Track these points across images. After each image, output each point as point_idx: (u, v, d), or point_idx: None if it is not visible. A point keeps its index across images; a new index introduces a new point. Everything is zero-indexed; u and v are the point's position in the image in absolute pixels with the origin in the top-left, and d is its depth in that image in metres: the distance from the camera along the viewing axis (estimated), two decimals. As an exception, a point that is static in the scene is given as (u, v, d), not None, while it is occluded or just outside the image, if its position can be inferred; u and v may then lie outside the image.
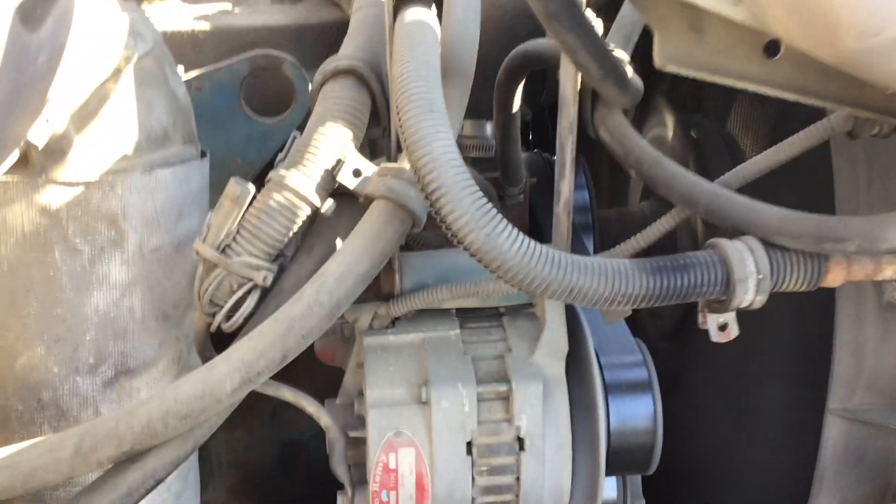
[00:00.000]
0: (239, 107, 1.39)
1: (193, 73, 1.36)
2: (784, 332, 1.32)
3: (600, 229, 1.73)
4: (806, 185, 1.23)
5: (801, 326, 1.29)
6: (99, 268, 1.02)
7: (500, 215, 0.80)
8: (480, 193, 0.80)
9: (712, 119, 1.62)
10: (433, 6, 0.99)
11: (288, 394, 1.05)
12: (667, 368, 1.54)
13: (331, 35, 1.48)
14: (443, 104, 0.83)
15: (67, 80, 0.91)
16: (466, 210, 0.79)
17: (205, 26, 1.46)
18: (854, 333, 1.11)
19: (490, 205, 0.80)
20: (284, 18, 1.53)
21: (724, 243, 0.88)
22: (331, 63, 1.02)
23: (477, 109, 1.37)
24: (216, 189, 1.18)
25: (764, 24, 0.68)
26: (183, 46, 1.43)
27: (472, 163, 1.42)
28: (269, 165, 1.45)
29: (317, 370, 1.18)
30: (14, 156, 0.90)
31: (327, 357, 1.19)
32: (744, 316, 0.92)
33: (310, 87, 1.36)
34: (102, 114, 1.00)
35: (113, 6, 1.01)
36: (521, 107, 1.39)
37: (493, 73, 1.25)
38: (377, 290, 1.09)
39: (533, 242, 0.81)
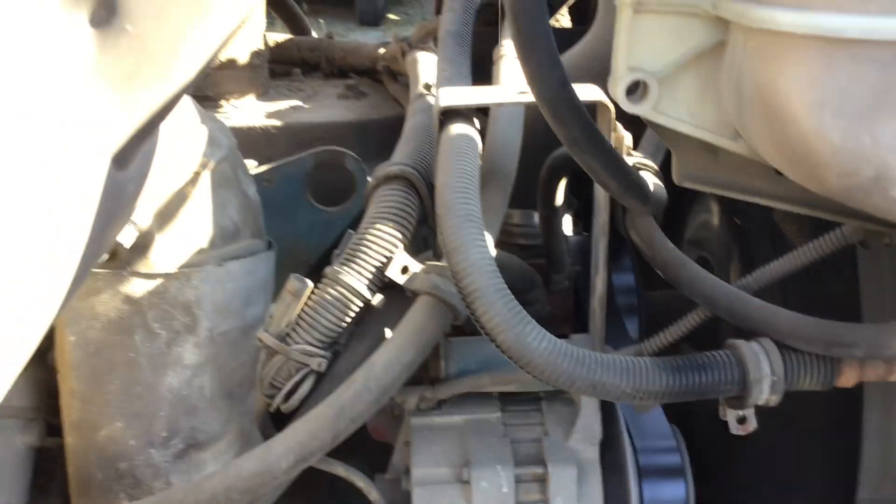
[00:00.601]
0: (305, 197, 1.51)
1: (265, 167, 1.49)
2: (818, 419, 1.36)
3: (648, 311, 1.79)
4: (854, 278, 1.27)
5: (834, 415, 1.32)
6: (174, 350, 1.14)
7: (528, 317, 0.88)
8: (511, 297, 0.88)
9: (758, 206, 1.67)
10: (475, 119, 1.09)
11: (340, 469, 1.14)
12: (714, 449, 1.57)
13: (391, 129, 1.60)
14: (479, 213, 0.92)
15: (152, 187, 1.03)
16: (498, 312, 0.87)
17: (276, 122, 1.59)
18: (881, 424, 1.14)
19: (520, 307, 0.88)
20: (349, 114, 1.66)
21: (741, 345, 0.94)
22: (384, 168, 1.12)
23: (525, 200, 1.46)
24: (283, 272, 1.29)
25: (761, 157, 0.76)
26: (257, 141, 1.56)
27: (520, 249, 1.51)
28: (332, 249, 1.56)
29: (370, 444, 1.27)
30: (105, 255, 1.02)
31: (379, 433, 1.28)
32: (781, 401, 0.97)
33: (369, 179, 1.47)
34: (182, 214, 1.12)
35: (194, 119, 1.13)
36: (568, 197, 1.47)
37: (540, 168, 1.34)
38: (425, 373, 1.18)
39: (559, 342, 0.89)
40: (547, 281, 1.52)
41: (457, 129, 1.04)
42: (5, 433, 1.18)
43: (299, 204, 1.51)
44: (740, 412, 0.97)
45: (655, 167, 1.11)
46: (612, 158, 0.88)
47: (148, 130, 0.67)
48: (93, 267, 0.87)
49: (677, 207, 1.77)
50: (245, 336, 1.19)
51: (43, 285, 0.63)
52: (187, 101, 1.16)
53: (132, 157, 0.69)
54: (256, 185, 1.32)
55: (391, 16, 7.96)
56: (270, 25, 1.93)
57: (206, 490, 0.98)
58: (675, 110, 0.77)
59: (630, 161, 1.11)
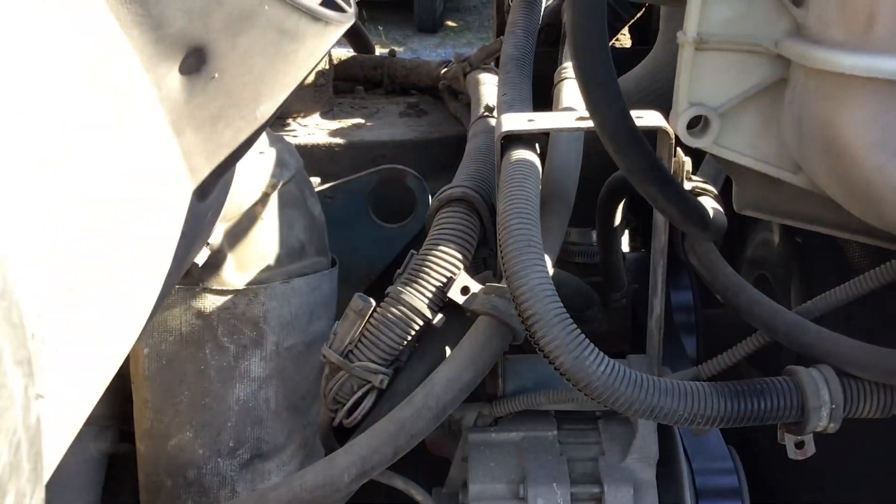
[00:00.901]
0: (366, 213, 1.55)
1: (328, 185, 1.53)
2: (879, 441, 1.34)
3: (707, 329, 1.78)
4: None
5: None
6: (242, 363, 1.18)
7: (587, 341, 0.90)
8: (570, 321, 0.90)
9: (820, 227, 1.65)
10: (536, 145, 1.11)
11: (399, 482, 1.17)
12: (776, 470, 1.56)
13: (451, 147, 1.63)
14: (539, 239, 0.94)
15: (225, 208, 1.08)
16: (557, 336, 0.89)
17: (340, 140, 1.63)
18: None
19: (579, 331, 0.90)
20: (410, 132, 1.69)
21: (801, 371, 0.94)
22: (446, 191, 1.15)
23: (584, 219, 1.48)
24: (344, 287, 1.32)
25: (822, 190, 0.77)
26: (321, 158, 1.61)
27: (578, 268, 1.52)
28: (392, 264, 1.59)
29: (428, 458, 1.29)
30: (179, 273, 1.07)
31: (436, 448, 1.30)
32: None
33: (429, 197, 1.50)
34: (251, 233, 1.17)
35: (264, 141, 1.18)
36: (626, 214, 1.49)
37: (600, 187, 1.36)
38: (482, 390, 1.20)
39: (617, 365, 0.91)
40: (605, 299, 1.53)
41: (518, 154, 1.06)
42: (79, 439, 1.23)
43: (361, 220, 1.54)
44: (798, 437, 0.97)
45: (715, 192, 1.12)
46: (671, 186, 0.90)
47: (228, 165, 0.71)
48: (173, 284, 0.91)
49: (738, 225, 1.76)
50: (309, 350, 1.23)
51: (131, 305, 0.67)
52: (258, 124, 1.20)
53: (212, 188, 0.73)
54: (320, 201, 1.36)
55: (449, 23, 7.99)
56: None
57: (271, 500, 1.01)
58: (737, 144, 0.78)
59: (689, 186, 1.13)
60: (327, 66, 1.78)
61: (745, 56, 0.75)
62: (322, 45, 0.68)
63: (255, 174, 1.16)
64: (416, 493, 1.18)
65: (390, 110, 1.84)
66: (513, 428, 1.18)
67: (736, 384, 0.94)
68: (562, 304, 0.92)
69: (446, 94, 1.81)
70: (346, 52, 2.09)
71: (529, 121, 1.10)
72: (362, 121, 1.75)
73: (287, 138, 1.61)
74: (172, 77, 0.60)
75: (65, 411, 0.61)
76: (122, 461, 1.31)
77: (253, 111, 0.66)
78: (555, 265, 1.14)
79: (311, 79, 1.73)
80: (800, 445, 0.97)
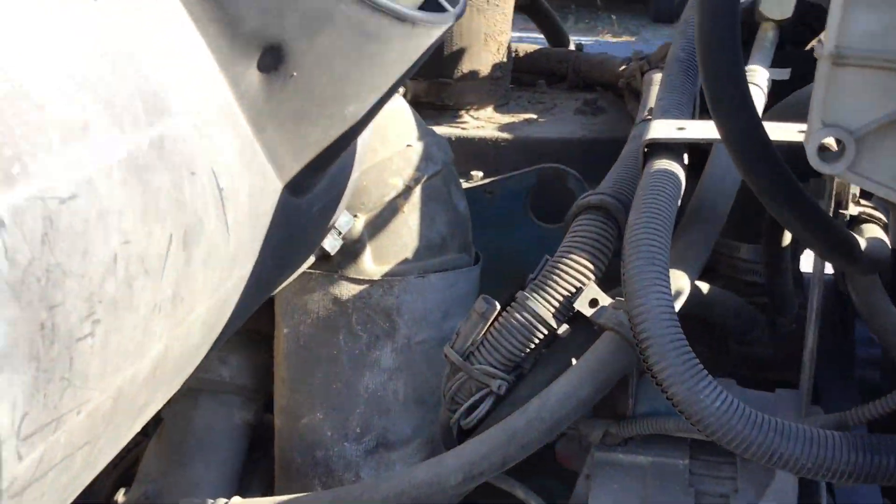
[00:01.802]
0: (524, 212, 1.52)
1: (489, 179, 1.52)
2: None
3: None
4: None
5: None
6: (373, 353, 1.20)
7: (704, 371, 0.83)
8: (688, 348, 0.84)
9: None
10: (684, 155, 1.04)
11: (519, 492, 1.15)
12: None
13: (620, 149, 1.57)
14: (665, 258, 0.88)
15: (362, 198, 1.10)
16: (671, 363, 0.83)
17: (507, 135, 1.62)
18: None
19: (695, 360, 0.84)
20: (579, 131, 1.65)
21: (955, 432, 0.83)
22: (585, 197, 1.11)
23: (756, 236, 1.37)
24: (498, 283, 1.31)
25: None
26: (486, 152, 1.60)
27: (745, 286, 1.42)
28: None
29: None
30: (311, 259, 1.11)
31: (567, 461, 1.27)
32: None
33: (590, 200, 1.45)
34: (392, 225, 1.18)
35: (410, 135, 1.19)
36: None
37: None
38: (613, 407, 1.15)
39: (736, 401, 0.83)
40: (773, 322, 1.42)
41: (660, 164, 1.00)
42: (227, 407, 1.32)
43: (518, 218, 1.52)
44: (949, 508, 0.85)
45: (884, 220, 1.00)
46: (810, 210, 0.81)
47: (322, 162, 0.71)
48: (282, 273, 0.94)
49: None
50: (441, 347, 1.23)
51: (225, 286, 0.69)
52: (408, 116, 1.22)
53: (310, 184, 0.74)
54: (478, 196, 1.36)
55: (688, 14, 7.68)
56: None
57: (381, 491, 1.03)
58: (875, 173, 0.69)
59: (856, 211, 1.02)
60: (505, 59, 1.76)
61: (890, 75, 0.66)
62: (413, 47, 0.67)
63: (399, 167, 1.17)
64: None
65: (567, 106, 1.80)
66: (642, 451, 1.13)
67: (874, 436, 0.84)
68: (680, 329, 0.86)
69: (626, 93, 1.74)
70: (532, 46, 2.06)
71: (679, 129, 1.04)
72: (535, 116, 1.72)
73: (456, 130, 1.62)
74: (250, 74, 0.61)
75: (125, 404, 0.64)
76: (266, 433, 1.38)
77: (340, 111, 0.66)
78: (694, 281, 1.07)
79: (487, 71, 1.72)
80: (951, 516, 0.86)
